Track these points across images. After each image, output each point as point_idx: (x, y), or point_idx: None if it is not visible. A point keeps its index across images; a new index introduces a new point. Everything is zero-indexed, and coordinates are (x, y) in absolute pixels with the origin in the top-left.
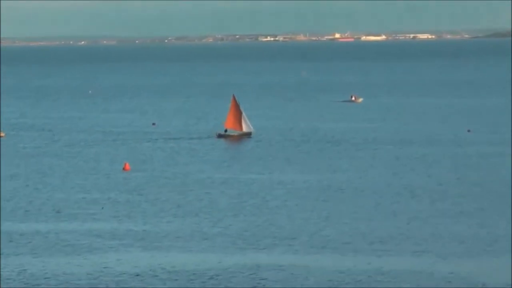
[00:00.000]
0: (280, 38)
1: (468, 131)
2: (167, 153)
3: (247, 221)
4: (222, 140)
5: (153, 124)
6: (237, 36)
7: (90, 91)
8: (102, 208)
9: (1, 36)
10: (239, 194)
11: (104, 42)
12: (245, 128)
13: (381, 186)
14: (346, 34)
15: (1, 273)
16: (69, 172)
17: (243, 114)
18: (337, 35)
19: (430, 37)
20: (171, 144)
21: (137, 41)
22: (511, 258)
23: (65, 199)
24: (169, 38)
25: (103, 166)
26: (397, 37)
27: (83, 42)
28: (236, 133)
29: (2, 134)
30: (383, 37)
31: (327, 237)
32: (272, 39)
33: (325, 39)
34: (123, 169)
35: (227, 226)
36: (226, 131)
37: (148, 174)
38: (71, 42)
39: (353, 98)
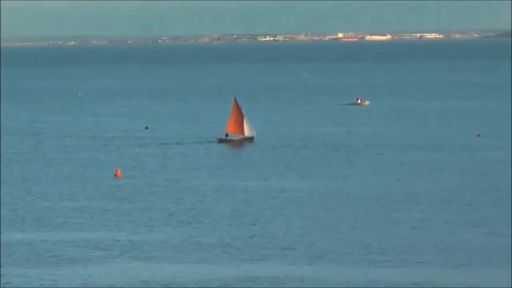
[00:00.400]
0: (280, 38)
1: (478, 135)
2: (160, 158)
3: (242, 231)
4: (220, 145)
5: (146, 128)
6: (235, 36)
7: (79, 94)
8: (92, 216)
9: None
10: (234, 202)
11: (95, 42)
12: (247, 133)
13: (383, 193)
14: (349, 34)
15: None
16: (56, 179)
17: (245, 117)
18: (340, 35)
19: (437, 36)
20: (164, 149)
21: (129, 41)
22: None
23: (51, 208)
24: (163, 38)
25: (92, 173)
26: (403, 37)
27: (72, 42)
28: (237, 137)
29: None
30: (388, 36)
31: (326, 247)
32: (271, 39)
33: (327, 39)
34: (114, 175)
35: (221, 236)
36: (227, 135)
37: (140, 181)
38: (60, 43)
39: (359, 101)
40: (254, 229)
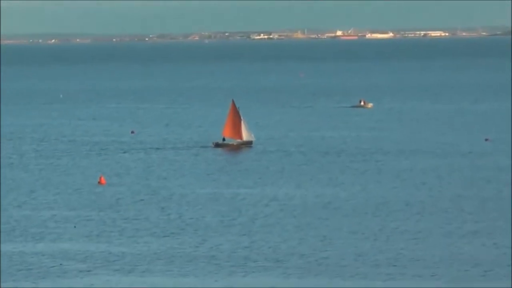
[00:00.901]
0: (275, 35)
1: (486, 140)
2: (147, 165)
3: (235, 242)
4: (214, 150)
5: (132, 132)
6: (227, 34)
7: (60, 95)
8: (75, 226)
9: None
10: (226, 211)
11: (77, 40)
12: (245, 137)
13: (382, 202)
14: (349, 32)
15: None
16: (35, 187)
17: (243, 121)
18: (339, 33)
19: (443, 34)
20: (151, 154)
21: (114, 40)
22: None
23: (30, 217)
24: (150, 36)
25: (74, 180)
26: (406, 35)
27: (53, 41)
28: (235, 142)
29: None
30: (391, 34)
31: (323, 260)
32: (266, 37)
33: (325, 37)
34: (98, 182)
35: (212, 247)
36: (224, 139)
37: (125, 188)
38: (40, 41)
39: (362, 103)
40: (244, 240)
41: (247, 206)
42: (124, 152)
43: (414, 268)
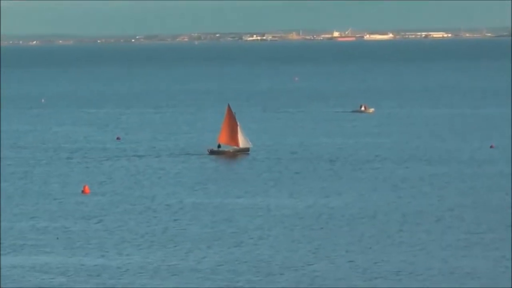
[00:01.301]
0: (268, 37)
1: (491, 146)
2: (133, 173)
3: (224, 254)
4: (206, 158)
5: (117, 138)
6: (217, 35)
7: (42, 100)
8: (57, 238)
9: None
10: (214, 221)
11: (60, 42)
12: (242, 143)
13: (381, 212)
14: (346, 33)
15: None
16: (14, 196)
17: (239, 126)
18: (336, 34)
19: (445, 35)
20: (137, 162)
21: (98, 41)
22: None
23: (9, 228)
24: (137, 37)
25: (56, 189)
26: (406, 36)
27: (34, 42)
28: (231, 149)
29: None
30: (390, 35)
31: (318, 273)
32: (259, 38)
33: (321, 38)
34: (82, 192)
35: (199, 260)
36: (219, 146)
37: (110, 198)
38: (21, 42)
39: (363, 108)
40: (237, 252)
41: (239, 217)
42: (110, 160)
43: (411, 282)
